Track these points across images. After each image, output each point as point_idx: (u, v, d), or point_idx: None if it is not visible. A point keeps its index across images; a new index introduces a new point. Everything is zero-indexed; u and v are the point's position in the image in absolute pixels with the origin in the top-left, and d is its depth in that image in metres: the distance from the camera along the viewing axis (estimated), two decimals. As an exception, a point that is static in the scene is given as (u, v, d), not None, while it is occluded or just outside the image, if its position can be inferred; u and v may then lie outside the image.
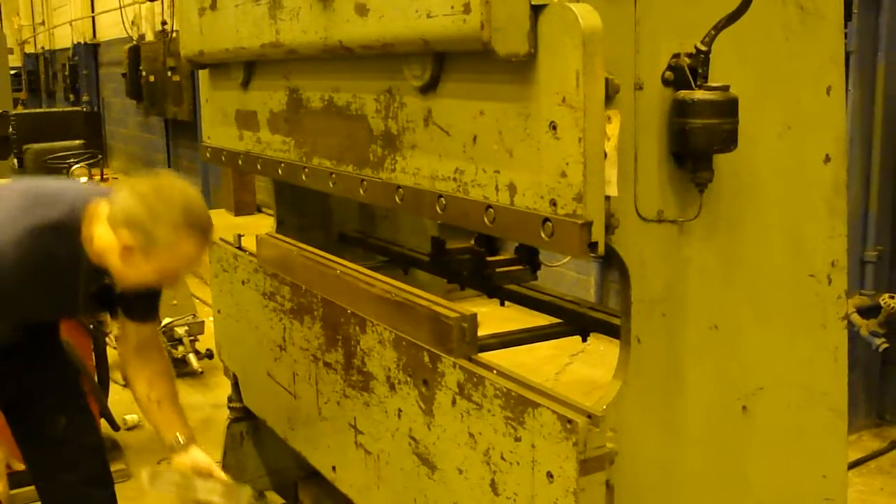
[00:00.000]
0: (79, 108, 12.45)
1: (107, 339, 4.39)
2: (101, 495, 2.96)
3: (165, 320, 5.43)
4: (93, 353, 4.19)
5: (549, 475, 1.80)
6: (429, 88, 2.05)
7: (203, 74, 3.40)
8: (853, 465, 4.15)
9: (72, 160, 7.50)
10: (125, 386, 3.61)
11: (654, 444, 1.94)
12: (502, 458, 1.94)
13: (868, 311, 4.44)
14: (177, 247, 2.34)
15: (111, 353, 4.27)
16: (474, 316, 2.11)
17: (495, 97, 1.84)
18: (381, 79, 2.23)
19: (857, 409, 4.46)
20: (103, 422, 4.10)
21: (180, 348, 5.51)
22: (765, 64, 2.00)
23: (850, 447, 3.08)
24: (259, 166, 2.98)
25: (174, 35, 10.39)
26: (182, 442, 2.71)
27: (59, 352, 3.01)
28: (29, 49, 20.44)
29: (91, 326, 4.10)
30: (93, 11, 16.05)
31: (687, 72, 1.81)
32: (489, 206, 1.87)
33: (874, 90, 4.43)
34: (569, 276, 6.34)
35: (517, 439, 1.88)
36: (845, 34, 2.12)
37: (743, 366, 2.05)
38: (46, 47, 19.25)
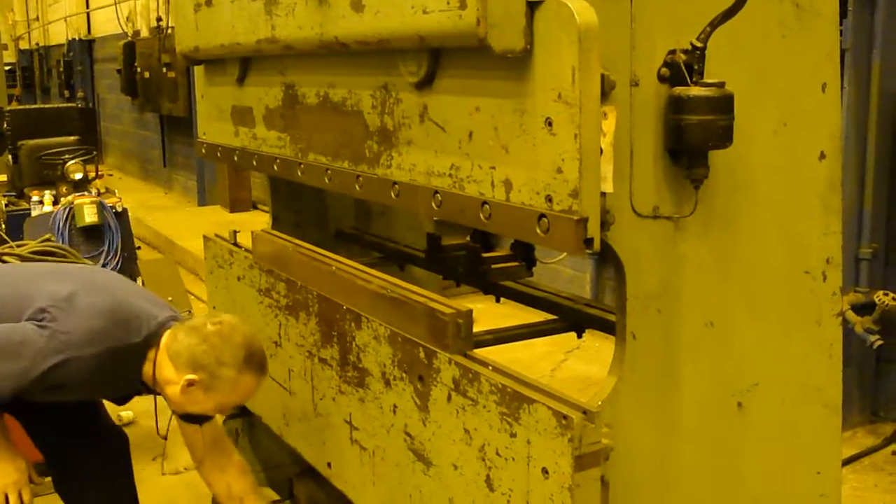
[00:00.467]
0: (73, 105, 12.37)
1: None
2: None
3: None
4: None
5: (545, 471, 1.80)
6: (424, 84, 2.05)
7: (198, 70, 3.39)
8: (847, 462, 4.16)
9: (66, 156, 7.47)
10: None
11: (649, 440, 1.94)
12: (497, 453, 1.94)
13: (863, 308, 4.45)
14: (239, 384, 2.53)
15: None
16: (470, 312, 2.11)
17: (491, 93, 1.84)
18: (377, 74, 2.22)
19: (851, 405, 4.47)
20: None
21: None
22: (760, 61, 2.00)
23: (845, 444, 3.08)
24: (255, 162, 2.98)
25: (169, 31, 10.37)
26: None
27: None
28: (23, 45, 20.38)
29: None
30: (87, 7, 16.01)
31: (683, 68, 1.81)
32: (485, 202, 1.87)
33: (869, 88, 4.43)
34: (564, 273, 6.34)
35: (512, 435, 1.88)
36: (840, 31, 2.12)
37: (738, 362, 2.05)
38: (41, 43, 19.20)
